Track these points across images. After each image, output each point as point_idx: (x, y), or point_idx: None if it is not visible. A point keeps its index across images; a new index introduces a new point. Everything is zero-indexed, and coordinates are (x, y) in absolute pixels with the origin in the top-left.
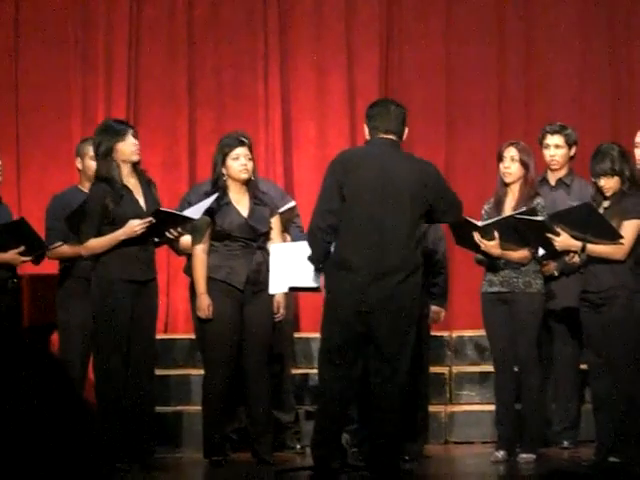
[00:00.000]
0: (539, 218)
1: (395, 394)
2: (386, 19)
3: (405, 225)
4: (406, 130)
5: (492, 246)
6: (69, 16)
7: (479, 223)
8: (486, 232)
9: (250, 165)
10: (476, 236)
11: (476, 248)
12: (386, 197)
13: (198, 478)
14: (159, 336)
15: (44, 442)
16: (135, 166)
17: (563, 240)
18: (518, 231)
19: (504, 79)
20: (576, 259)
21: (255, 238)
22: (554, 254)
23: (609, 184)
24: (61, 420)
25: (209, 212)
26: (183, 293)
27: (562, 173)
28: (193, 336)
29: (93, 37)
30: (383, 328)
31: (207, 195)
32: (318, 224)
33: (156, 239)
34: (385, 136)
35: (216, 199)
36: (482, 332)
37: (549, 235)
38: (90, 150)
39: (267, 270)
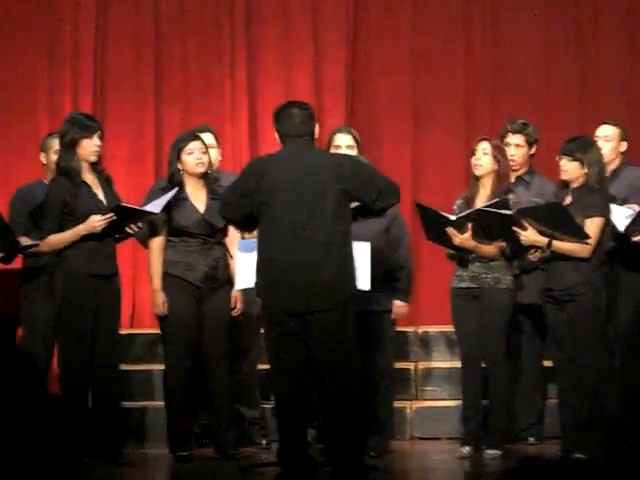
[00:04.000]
0: (507, 212)
1: (342, 393)
2: (353, 13)
3: (326, 221)
4: (316, 128)
5: (466, 239)
6: (35, 11)
7: (452, 217)
8: (459, 226)
9: (205, 158)
10: (450, 230)
11: (447, 243)
12: (304, 195)
13: (163, 473)
14: (122, 331)
15: (9, 434)
16: (94, 164)
17: (530, 235)
18: (487, 225)
19: (470, 74)
20: (537, 255)
21: (212, 234)
22: (519, 249)
23: (566, 167)
24: (27, 413)
25: (166, 208)
26: (148, 287)
27: (522, 171)
28: (156, 331)
29: (59, 32)
30: (316, 327)
31: (164, 191)
32: (223, 215)
33: (116, 235)
34: (295, 138)
35: (174, 194)
36: (448, 328)
37: (516, 229)
38: (55, 144)
39: (225, 266)
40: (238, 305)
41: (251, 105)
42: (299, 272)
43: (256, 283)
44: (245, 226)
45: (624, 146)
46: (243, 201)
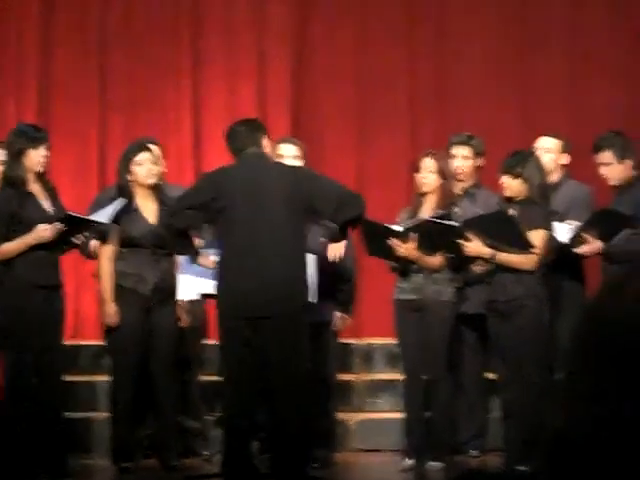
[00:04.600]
0: (452, 223)
1: (290, 403)
2: (297, 26)
3: (281, 229)
4: (264, 139)
5: (410, 249)
6: None
7: (397, 228)
8: (403, 237)
9: (156, 169)
10: (394, 241)
11: (390, 256)
12: (260, 204)
13: None
14: (66, 342)
15: None
16: (40, 175)
17: (474, 247)
18: (432, 236)
19: (415, 85)
20: (481, 267)
21: (162, 245)
22: (463, 261)
23: (509, 184)
24: None
25: (115, 218)
26: (92, 298)
27: (468, 184)
28: (100, 342)
29: (4, 42)
30: (270, 334)
31: (113, 200)
32: (170, 224)
33: (64, 245)
34: (246, 151)
35: (124, 205)
36: (391, 340)
37: (461, 241)
38: None
39: (174, 277)
40: (185, 317)
41: (195, 117)
42: (254, 278)
43: (217, 289)
44: (181, 245)
45: (565, 159)
46: (196, 212)
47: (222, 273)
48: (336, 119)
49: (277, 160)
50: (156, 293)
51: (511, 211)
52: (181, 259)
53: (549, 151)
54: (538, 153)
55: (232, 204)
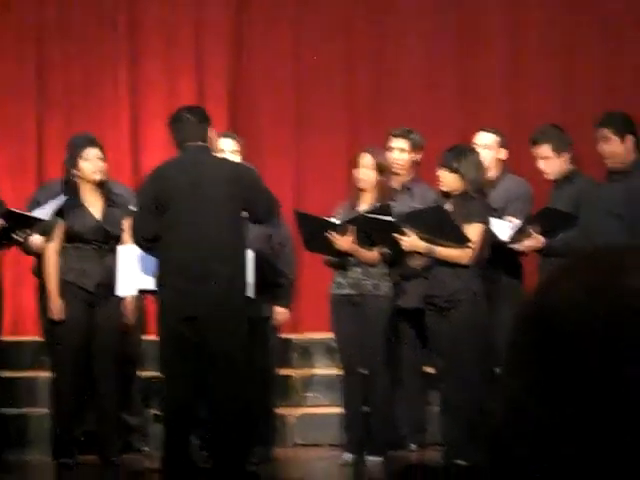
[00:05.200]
0: (388, 218)
1: (232, 398)
2: (235, 23)
3: (224, 224)
4: (209, 131)
5: (347, 242)
6: None
7: (335, 221)
8: (341, 230)
9: (103, 165)
10: (332, 234)
11: (328, 250)
12: (202, 199)
13: None
14: (5, 338)
15: None
16: None
17: (411, 241)
18: (369, 231)
19: (352, 82)
20: (419, 261)
21: (107, 241)
22: (400, 255)
23: (445, 178)
24: None
25: (60, 213)
26: (31, 294)
27: (406, 178)
28: (40, 338)
29: None
30: (212, 332)
31: (59, 195)
32: (137, 238)
33: (3, 241)
34: (191, 144)
35: (68, 200)
36: (330, 335)
37: (397, 236)
38: None
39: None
40: (130, 313)
41: (133, 113)
42: (195, 275)
43: (157, 285)
44: None
45: (503, 153)
46: (152, 216)
47: (163, 269)
48: (274, 116)
49: (220, 155)
50: (100, 289)
51: (447, 205)
52: (121, 255)
53: (488, 147)
54: (477, 149)
55: (173, 199)
